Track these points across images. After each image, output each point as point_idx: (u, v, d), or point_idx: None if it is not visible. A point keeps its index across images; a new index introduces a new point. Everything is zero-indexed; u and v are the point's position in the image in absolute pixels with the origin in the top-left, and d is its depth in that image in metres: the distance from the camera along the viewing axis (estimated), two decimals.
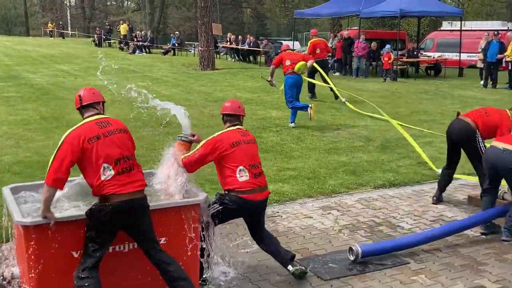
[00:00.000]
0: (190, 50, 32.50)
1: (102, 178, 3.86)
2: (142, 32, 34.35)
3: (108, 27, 39.60)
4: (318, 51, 15.07)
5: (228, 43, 29.11)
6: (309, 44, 15.57)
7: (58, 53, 28.70)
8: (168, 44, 33.49)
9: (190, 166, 4.56)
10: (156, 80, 18.68)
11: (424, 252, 5.30)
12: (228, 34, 30.24)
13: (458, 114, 6.51)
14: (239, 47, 27.95)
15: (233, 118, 4.80)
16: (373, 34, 26.16)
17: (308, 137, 10.34)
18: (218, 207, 4.54)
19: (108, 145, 3.92)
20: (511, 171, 5.46)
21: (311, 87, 14.87)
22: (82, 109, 4.14)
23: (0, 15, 66.73)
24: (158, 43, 36.44)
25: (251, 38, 27.68)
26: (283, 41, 48.70)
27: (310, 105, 10.85)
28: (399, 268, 4.95)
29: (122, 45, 33.65)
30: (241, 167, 4.50)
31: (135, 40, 32.00)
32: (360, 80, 20.44)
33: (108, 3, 74.40)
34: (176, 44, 31.59)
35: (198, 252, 4.44)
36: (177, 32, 33.84)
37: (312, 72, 14.19)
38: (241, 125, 4.82)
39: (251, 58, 27.45)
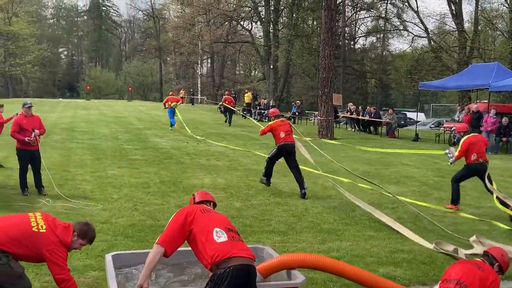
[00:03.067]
0: (310, 118, 32.79)
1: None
2: (265, 101, 35.33)
3: (234, 95, 41.24)
4: (226, 102, 27.31)
5: (349, 113, 28.97)
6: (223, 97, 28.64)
7: (185, 119, 30.18)
8: (289, 112, 34.08)
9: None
10: (273, 147, 18.80)
11: None
12: (349, 104, 30.17)
13: None
14: (359, 117, 27.68)
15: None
16: (504, 108, 24.70)
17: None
18: None
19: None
20: None
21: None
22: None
23: (138, 82, 72.43)
24: (280, 111, 37.20)
25: (372, 109, 27.35)
26: (407, 112, 47.94)
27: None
28: None
29: (244, 113, 34.76)
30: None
31: (257, 108, 32.93)
32: (489, 157, 19.12)
33: (237, 73, 78.06)
34: (297, 113, 32.04)
35: None
36: (298, 101, 34.42)
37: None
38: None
39: (371, 128, 27.02)
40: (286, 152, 11.43)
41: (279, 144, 11.42)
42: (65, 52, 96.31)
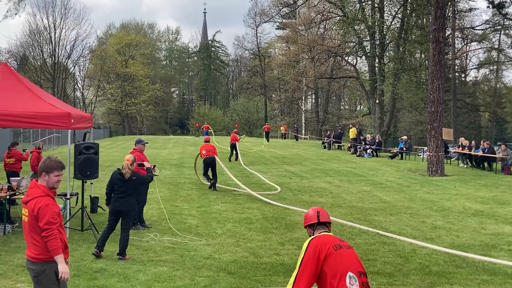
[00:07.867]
0: (419, 154, 31.64)
1: None
2: (370, 136, 34.67)
3: (340, 131, 40.87)
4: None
5: (460, 148, 27.62)
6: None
7: (289, 154, 30.34)
8: (396, 147, 33.13)
9: None
10: (379, 184, 18.32)
11: None
12: (461, 139, 28.79)
13: None
14: (472, 152, 26.28)
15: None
16: None
17: None
18: None
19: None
20: None
21: None
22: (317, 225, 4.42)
23: (244, 118, 74.21)
24: (387, 146, 36.31)
25: (485, 144, 25.88)
26: None
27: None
28: None
29: (351, 148, 34.30)
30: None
31: (363, 143, 32.35)
32: None
33: (342, 108, 77.55)
34: (404, 148, 31.07)
35: None
36: (405, 136, 33.39)
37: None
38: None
39: (485, 164, 25.51)
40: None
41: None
42: (177, 91, 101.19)
